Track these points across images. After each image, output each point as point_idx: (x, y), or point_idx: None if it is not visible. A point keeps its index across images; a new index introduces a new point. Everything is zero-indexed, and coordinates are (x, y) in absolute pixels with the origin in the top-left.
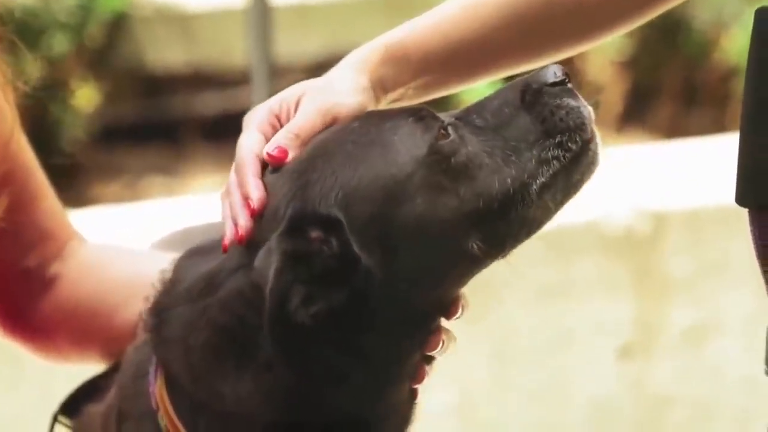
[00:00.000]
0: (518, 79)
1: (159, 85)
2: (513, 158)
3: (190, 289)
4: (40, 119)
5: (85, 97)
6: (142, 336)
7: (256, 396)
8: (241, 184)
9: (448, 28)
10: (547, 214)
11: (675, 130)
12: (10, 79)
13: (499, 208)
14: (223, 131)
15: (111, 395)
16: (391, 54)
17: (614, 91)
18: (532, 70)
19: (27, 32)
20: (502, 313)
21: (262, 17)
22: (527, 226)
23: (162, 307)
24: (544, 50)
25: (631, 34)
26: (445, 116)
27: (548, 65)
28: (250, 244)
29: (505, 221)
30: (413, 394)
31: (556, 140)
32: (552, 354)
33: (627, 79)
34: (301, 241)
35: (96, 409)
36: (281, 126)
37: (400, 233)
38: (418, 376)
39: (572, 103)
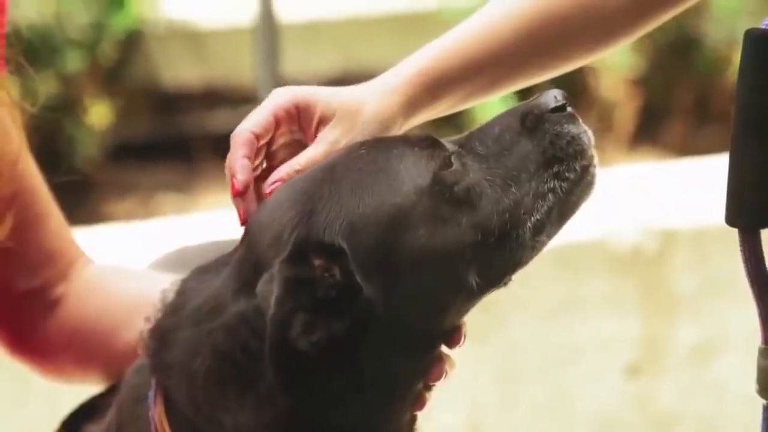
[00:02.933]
0: (520, 104)
1: (172, 103)
2: (513, 189)
3: (195, 311)
4: (53, 136)
5: (98, 114)
6: (141, 358)
7: (256, 426)
8: (230, 164)
9: (467, 49)
10: (542, 246)
11: (687, 147)
12: (18, 101)
13: (496, 242)
14: None
15: (110, 417)
16: (417, 79)
17: (626, 108)
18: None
19: (41, 50)
20: (510, 330)
21: (269, 36)
22: (522, 258)
23: (164, 330)
24: (559, 63)
25: (643, 51)
26: (449, 143)
27: (549, 90)
28: (253, 265)
29: (501, 254)
30: (413, 419)
31: (554, 170)
32: (559, 371)
33: (639, 96)
34: (303, 268)
35: (94, 430)
36: (285, 123)
37: (402, 262)
38: (419, 403)
39: (573, 130)
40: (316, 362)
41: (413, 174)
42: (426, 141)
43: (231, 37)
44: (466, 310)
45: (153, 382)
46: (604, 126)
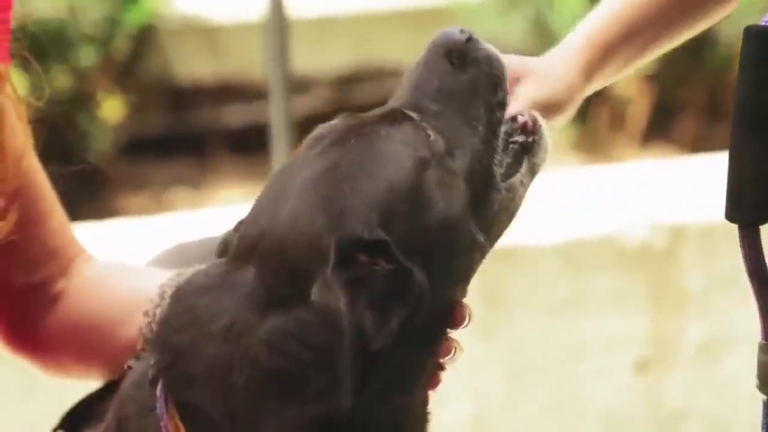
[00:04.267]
0: (432, 47)
1: (185, 98)
2: (479, 127)
3: (223, 330)
4: (66, 131)
5: (112, 109)
6: (140, 371)
7: (299, 425)
8: None
9: (626, 14)
10: (516, 189)
11: (699, 144)
12: (26, 96)
13: (481, 189)
14: (248, 144)
15: (109, 428)
16: (588, 45)
17: (639, 105)
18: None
19: (54, 45)
20: (518, 327)
21: (279, 31)
22: (502, 203)
23: (179, 347)
24: (696, 23)
25: None
26: (406, 111)
27: (446, 28)
28: (287, 279)
29: (486, 201)
30: (426, 400)
31: (500, 97)
32: (567, 367)
33: (651, 93)
34: (357, 268)
35: None
36: None
37: (431, 237)
38: (434, 382)
39: (491, 52)
40: (380, 357)
41: (410, 151)
42: (396, 115)
43: (244, 32)
44: (473, 274)
45: (160, 394)
46: (617, 122)
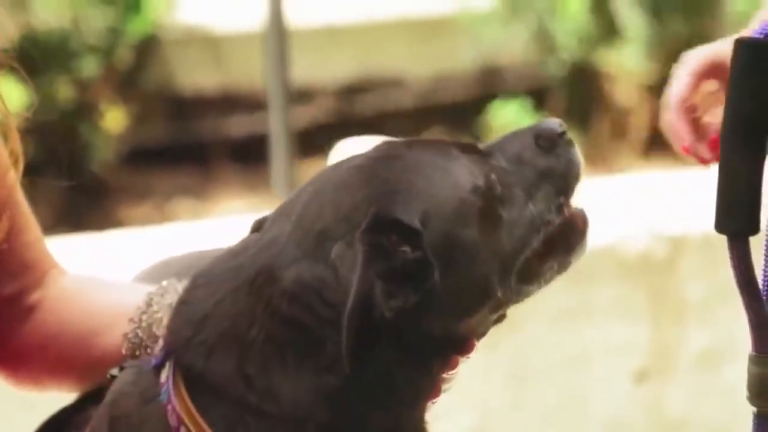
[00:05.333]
0: (529, 125)
1: (187, 108)
2: (530, 204)
3: (246, 284)
4: (69, 141)
5: (114, 119)
6: (133, 372)
7: (314, 394)
8: (673, 129)
9: None
10: (536, 278)
11: None
12: (22, 107)
13: (514, 253)
14: (251, 154)
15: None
16: None
17: (641, 115)
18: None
19: (57, 55)
20: (520, 336)
21: (278, 41)
22: (522, 278)
23: (200, 315)
24: None
25: (657, 57)
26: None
27: (550, 118)
28: (316, 237)
29: (513, 267)
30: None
31: (560, 201)
32: (568, 376)
33: (654, 103)
34: (383, 239)
35: None
36: (703, 80)
37: (456, 255)
38: (434, 394)
39: (578, 159)
40: (381, 335)
41: (470, 176)
42: (474, 148)
43: (247, 42)
44: (482, 324)
45: (168, 378)
46: (619, 133)
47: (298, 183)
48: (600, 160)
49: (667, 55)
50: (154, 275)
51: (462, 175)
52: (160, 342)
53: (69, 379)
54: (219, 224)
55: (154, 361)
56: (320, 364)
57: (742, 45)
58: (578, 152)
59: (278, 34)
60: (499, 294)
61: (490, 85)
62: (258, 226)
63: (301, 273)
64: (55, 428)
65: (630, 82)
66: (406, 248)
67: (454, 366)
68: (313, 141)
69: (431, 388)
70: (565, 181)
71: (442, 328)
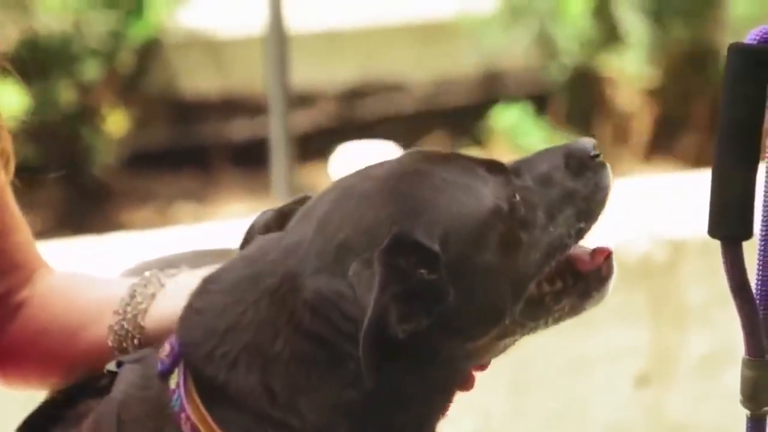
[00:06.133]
0: (561, 144)
1: (189, 112)
2: (550, 227)
3: (267, 293)
4: (71, 144)
5: (116, 122)
6: (138, 372)
7: (336, 411)
8: None
9: None
10: (547, 310)
11: (702, 159)
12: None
13: (529, 278)
14: (253, 158)
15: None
16: None
17: (642, 120)
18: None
19: (59, 59)
20: (521, 340)
21: (278, 46)
22: (531, 309)
23: (216, 324)
24: None
25: (659, 63)
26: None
27: (585, 138)
28: (335, 250)
29: (519, 298)
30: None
31: (581, 226)
32: (569, 381)
33: (655, 108)
34: (401, 260)
35: None
36: None
37: (473, 277)
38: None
39: (606, 183)
40: (396, 353)
41: (493, 197)
42: (500, 167)
43: (249, 47)
44: (487, 349)
45: (179, 385)
46: (620, 136)
47: (298, 187)
48: None
49: (669, 59)
50: (138, 271)
51: (486, 198)
52: (166, 347)
53: (56, 374)
54: (220, 227)
55: (160, 367)
56: (343, 379)
57: (734, 50)
58: (608, 176)
59: (278, 38)
60: (507, 320)
61: (492, 89)
62: (259, 229)
63: (320, 285)
64: (41, 423)
65: (631, 86)
66: (423, 271)
67: (465, 385)
68: (315, 145)
69: (443, 405)
70: (588, 206)
71: (449, 348)
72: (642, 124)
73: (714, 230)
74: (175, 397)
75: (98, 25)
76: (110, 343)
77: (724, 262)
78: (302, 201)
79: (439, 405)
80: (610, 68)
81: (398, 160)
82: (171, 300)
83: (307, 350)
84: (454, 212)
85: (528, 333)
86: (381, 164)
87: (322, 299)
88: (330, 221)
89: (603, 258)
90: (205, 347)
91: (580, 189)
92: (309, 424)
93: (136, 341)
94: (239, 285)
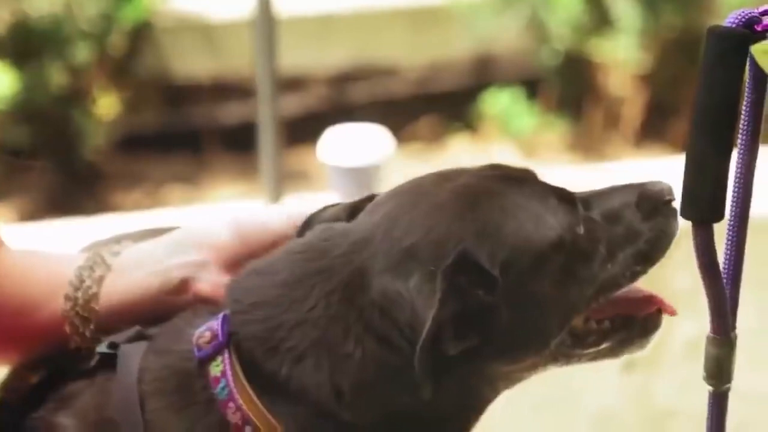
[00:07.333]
0: (637, 183)
1: (181, 95)
2: (608, 265)
3: (341, 287)
4: (61, 127)
5: (107, 105)
6: (165, 360)
7: (395, 416)
8: None
9: None
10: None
11: None
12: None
13: (574, 312)
14: (244, 141)
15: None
16: None
17: (633, 105)
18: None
19: (50, 41)
20: None
21: (267, 28)
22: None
23: (287, 323)
24: None
25: (650, 48)
26: (577, 199)
27: (662, 181)
28: (401, 253)
29: (569, 324)
30: None
31: (638, 268)
32: (556, 368)
33: (646, 93)
34: (462, 280)
35: (67, 423)
36: None
37: (526, 304)
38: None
39: (671, 230)
40: (447, 368)
41: (558, 228)
42: (570, 197)
43: (240, 30)
44: (522, 375)
45: (226, 373)
46: (611, 122)
47: (287, 171)
48: (592, 149)
49: (660, 45)
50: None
51: (553, 229)
52: (206, 334)
53: (13, 352)
54: (212, 210)
55: (199, 353)
56: (403, 385)
57: (711, 34)
58: (677, 225)
59: (267, 21)
60: (547, 349)
61: (484, 74)
62: (326, 220)
63: (386, 285)
64: (20, 406)
65: (622, 71)
66: (481, 292)
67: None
68: (306, 129)
69: (475, 420)
70: (649, 250)
71: (491, 368)
72: (633, 110)
73: (686, 212)
74: (221, 385)
75: (89, 7)
76: (68, 330)
77: (694, 243)
78: (371, 198)
79: (472, 420)
80: (601, 53)
81: (477, 174)
82: (120, 281)
83: (377, 351)
84: (520, 239)
85: (558, 365)
86: (460, 172)
87: (387, 300)
88: (399, 224)
89: (655, 309)
90: (269, 342)
91: (646, 232)
92: (370, 424)
93: (92, 326)
94: (307, 279)
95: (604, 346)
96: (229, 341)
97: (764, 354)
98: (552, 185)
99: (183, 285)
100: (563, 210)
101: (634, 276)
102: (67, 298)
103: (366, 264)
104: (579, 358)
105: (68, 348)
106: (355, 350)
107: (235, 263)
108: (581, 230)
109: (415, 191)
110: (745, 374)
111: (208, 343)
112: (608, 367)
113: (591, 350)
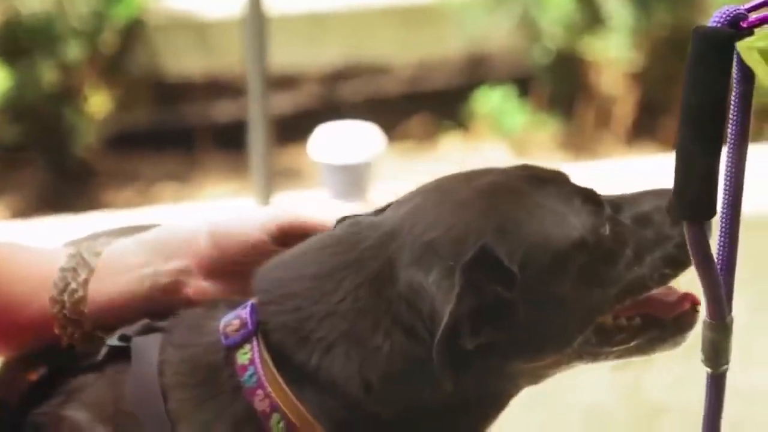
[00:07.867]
0: (668, 188)
1: (173, 93)
2: (635, 267)
3: (371, 280)
4: (53, 125)
5: (99, 103)
6: (186, 352)
7: (412, 410)
8: None
9: None
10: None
11: None
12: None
13: (596, 312)
14: (235, 139)
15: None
16: None
17: (625, 103)
18: None
19: (41, 39)
20: None
21: (257, 26)
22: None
23: (317, 314)
24: None
25: (642, 46)
26: (604, 200)
27: None
28: (423, 247)
29: (592, 324)
30: None
31: (666, 271)
32: None
33: (638, 91)
34: (481, 276)
35: (82, 417)
36: None
37: (545, 302)
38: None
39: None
40: (466, 363)
41: (581, 229)
42: (596, 199)
43: (232, 28)
44: (545, 372)
45: (255, 361)
46: (603, 120)
47: (277, 169)
48: (584, 147)
49: (652, 43)
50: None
51: (575, 230)
52: (234, 322)
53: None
54: (204, 209)
55: (226, 341)
56: (426, 377)
57: (696, 33)
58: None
59: (258, 19)
60: (574, 346)
61: (475, 72)
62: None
63: (411, 278)
64: (25, 400)
65: (614, 70)
66: (499, 287)
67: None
68: (298, 127)
69: (495, 416)
70: (679, 253)
71: (511, 365)
72: (625, 108)
73: (678, 212)
74: (249, 373)
75: (81, 5)
76: (57, 331)
77: (687, 240)
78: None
79: (491, 415)
80: (593, 52)
81: (503, 173)
82: (107, 281)
83: (405, 344)
84: (540, 238)
85: (584, 363)
86: (487, 172)
87: (413, 292)
88: (424, 218)
89: (689, 305)
90: (300, 332)
91: (675, 236)
92: (394, 416)
93: (84, 327)
94: (336, 272)
95: (633, 343)
96: (257, 330)
97: (757, 350)
98: (580, 187)
99: (173, 286)
100: (587, 211)
101: (663, 279)
102: (53, 301)
103: (393, 257)
104: (606, 356)
105: (61, 345)
106: (384, 343)
107: (211, 271)
108: (606, 231)
109: (441, 188)
110: (738, 370)
111: (237, 331)
112: (599, 363)
113: (619, 348)
